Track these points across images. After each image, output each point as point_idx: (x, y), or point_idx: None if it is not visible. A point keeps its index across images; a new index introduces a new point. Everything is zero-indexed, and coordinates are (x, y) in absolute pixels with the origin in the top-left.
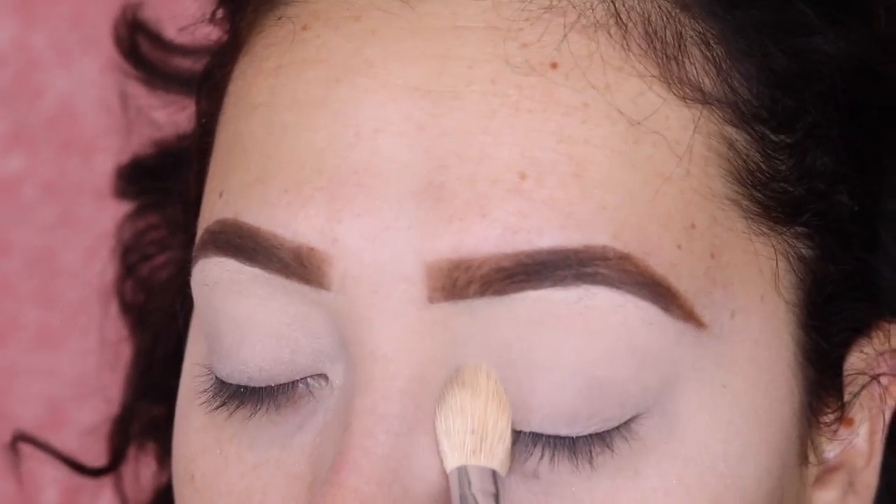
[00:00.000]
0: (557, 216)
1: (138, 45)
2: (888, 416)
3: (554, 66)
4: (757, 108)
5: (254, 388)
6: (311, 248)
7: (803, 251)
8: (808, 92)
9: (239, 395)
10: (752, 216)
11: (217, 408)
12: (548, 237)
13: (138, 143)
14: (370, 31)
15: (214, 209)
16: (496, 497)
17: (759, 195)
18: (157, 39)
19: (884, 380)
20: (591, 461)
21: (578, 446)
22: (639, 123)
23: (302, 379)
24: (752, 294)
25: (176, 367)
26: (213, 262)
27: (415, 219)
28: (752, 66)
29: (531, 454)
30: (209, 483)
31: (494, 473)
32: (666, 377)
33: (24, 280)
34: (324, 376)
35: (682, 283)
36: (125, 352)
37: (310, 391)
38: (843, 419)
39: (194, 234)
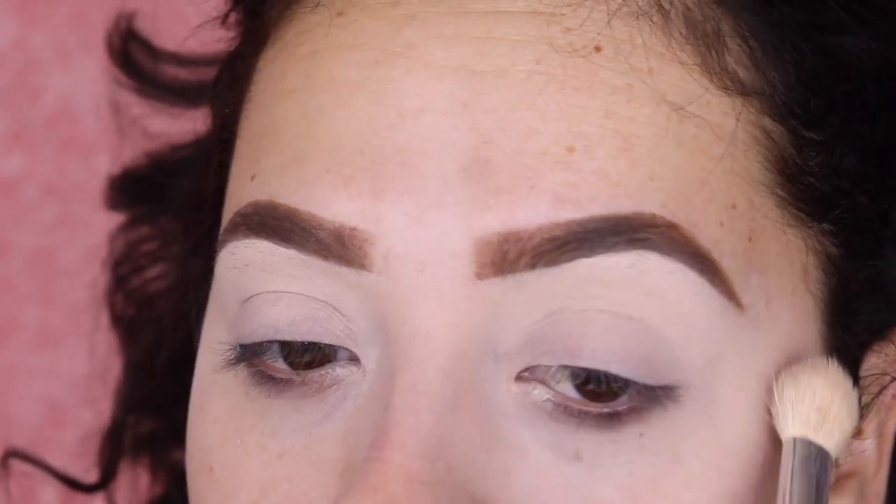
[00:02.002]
0: (607, 185)
1: (132, 55)
2: None
3: (598, 49)
4: (790, 103)
5: (277, 374)
6: (353, 228)
7: (829, 248)
8: (837, 91)
9: (274, 384)
10: (785, 206)
11: (254, 398)
12: (598, 205)
13: (131, 152)
14: (409, 16)
15: (245, 192)
16: (826, 481)
17: (792, 187)
18: (151, 49)
19: None
20: (633, 441)
21: (622, 424)
22: (682, 108)
23: (331, 366)
24: (785, 285)
25: (173, 378)
26: (243, 244)
27: (461, 195)
28: (786, 63)
29: (575, 425)
30: (229, 474)
31: (828, 456)
32: (709, 354)
33: (24, 280)
34: (355, 362)
35: (724, 260)
36: (116, 363)
37: (338, 380)
38: (860, 423)
39: (209, 231)
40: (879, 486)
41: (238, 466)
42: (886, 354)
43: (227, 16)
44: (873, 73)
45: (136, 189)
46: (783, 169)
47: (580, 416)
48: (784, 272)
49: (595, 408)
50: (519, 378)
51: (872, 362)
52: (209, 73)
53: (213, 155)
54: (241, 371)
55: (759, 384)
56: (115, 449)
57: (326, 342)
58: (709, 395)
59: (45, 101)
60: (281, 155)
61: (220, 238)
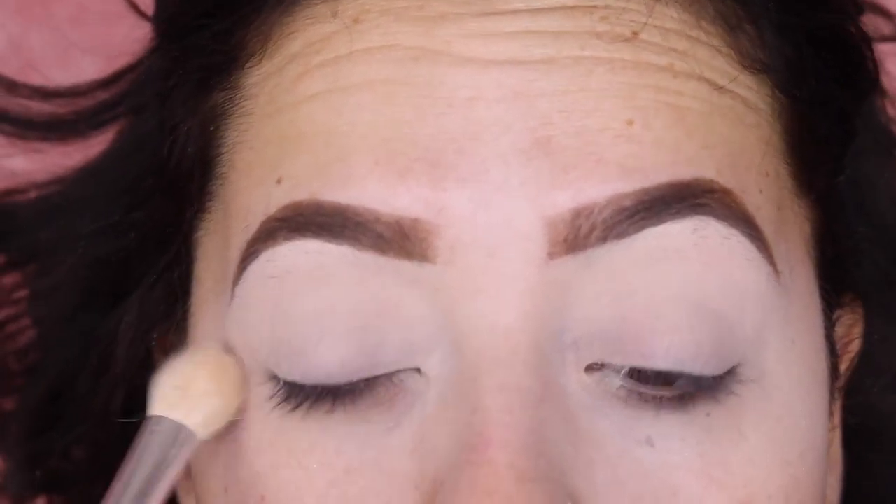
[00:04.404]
0: (668, 153)
1: None
2: (843, 383)
3: (635, 34)
4: (791, 79)
5: (333, 385)
6: (415, 220)
7: (813, 217)
8: (818, 66)
9: (315, 394)
10: (795, 176)
11: (293, 409)
12: (662, 173)
13: None
14: (439, 16)
15: (272, 197)
16: (168, 455)
17: (797, 157)
18: (6, 83)
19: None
20: (701, 421)
21: (693, 406)
22: (718, 86)
23: (392, 374)
24: (799, 254)
25: (80, 420)
26: (285, 248)
27: (527, 175)
28: (786, 43)
29: (645, 412)
30: (289, 498)
31: (183, 429)
32: (757, 324)
33: None
34: (415, 370)
35: (764, 227)
36: None
37: (403, 387)
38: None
39: (171, 262)
40: (837, 451)
41: (300, 490)
42: (844, 316)
43: (166, 38)
44: (837, 46)
45: None
46: (792, 140)
47: (651, 402)
48: (797, 240)
49: (668, 392)
50: (588, 368)
51: (838, 331)
52: (79, 105)
53: (185, 179)
54: (289, 402)
55: (792, 353)
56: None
57: (381, 373)
58: (760, 367)
59: None
60: (315, 154)
61: (248, 249)
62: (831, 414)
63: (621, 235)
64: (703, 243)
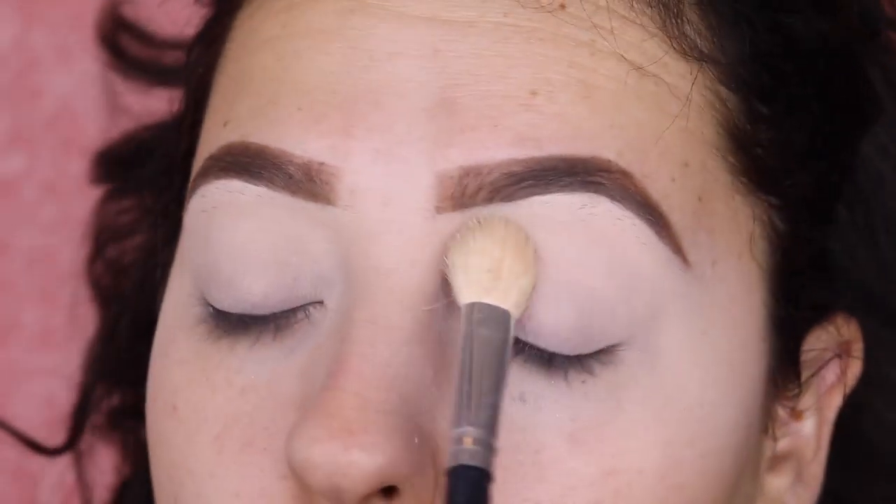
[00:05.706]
0: (567, 128)
1: (121, 43)
2: (837, 403)
3: (563, 6)
4: (744, 74)
5: (255, 316)
6: (321, 163)
7: (776, 221)
8: (787, 68)
9: (242, 325)
10: (735, 173)
11: (220, 338)
12: (558, 146)
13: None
14: None
15: (219, 138)
16: (504, 342)
17: (742, 156)
18: (142, 36)
19: (840, 365)
20: (577, 387)
21: (564, 371)
22: (641, 67)
23: (302, 307)
24: (731, 249)
25: (136, 348)
26: (214, 185)
27: (426, 131)
28: (740, 36)
29: (521, 370)
30: (194, 411)
31: (506, 314)
32: (652, 307)
33: (24, 280)
34: (320, 302)
35: (673, 215)
36: None
37: (307, 317)
38: (798, 400)
39: (178, 193)
40: (818, 468)
41: (203, 403)
42: (829, 333)
43: None
44: (824, 55)
45: (117, 165)
46: (735, 137)
47: (531, 361)
48: (731, 236)
49: (538, 350)
50: None
51: (814, 340)
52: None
53: (185, 118)
54: (217, 329)
55: (701, 343)
56: (80, 418)
57: (298, 304)
58: (653, 348)
59: (45, 101)
60: (256, 98)
61: (191, 185)
62: (773, 419)
63: (508, 199)
64: (590, 220)
